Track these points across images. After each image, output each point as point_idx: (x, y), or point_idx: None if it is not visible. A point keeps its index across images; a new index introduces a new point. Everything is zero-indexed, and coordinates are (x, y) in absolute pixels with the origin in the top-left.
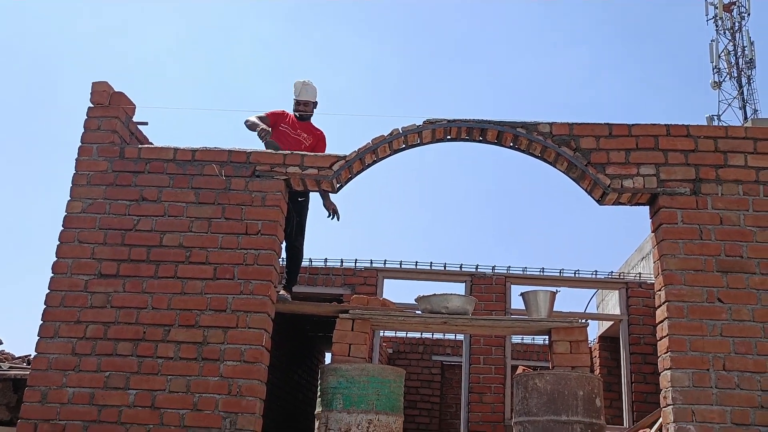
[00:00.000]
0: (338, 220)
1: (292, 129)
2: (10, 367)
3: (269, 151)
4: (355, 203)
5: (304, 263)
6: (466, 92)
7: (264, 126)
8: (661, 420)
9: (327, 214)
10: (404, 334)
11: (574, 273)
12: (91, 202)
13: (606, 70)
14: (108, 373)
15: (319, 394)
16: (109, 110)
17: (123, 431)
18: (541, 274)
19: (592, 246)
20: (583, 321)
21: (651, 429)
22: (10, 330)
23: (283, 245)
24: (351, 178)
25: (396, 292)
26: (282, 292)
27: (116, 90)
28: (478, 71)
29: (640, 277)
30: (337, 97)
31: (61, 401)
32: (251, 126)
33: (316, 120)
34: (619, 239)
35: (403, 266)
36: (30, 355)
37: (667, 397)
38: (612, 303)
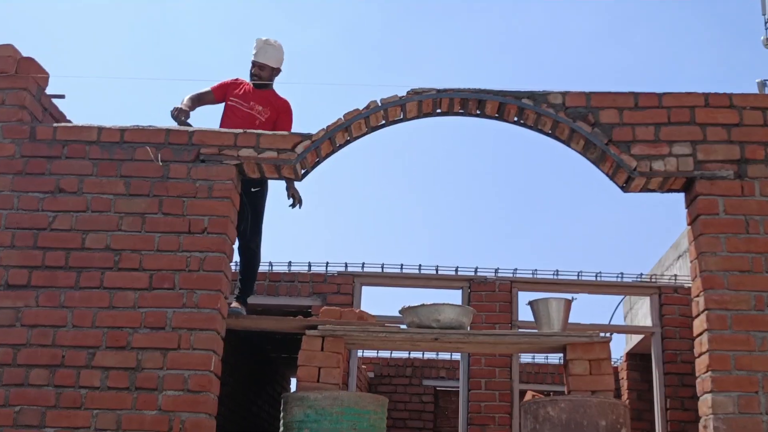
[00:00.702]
0: (300, 207)
1: (243, 101)
2: None
3: (217, 129)
4: (324, 192)
5: (263, 268)
6: (461, 55)
7: (182, 105)
8: None
9: (288, 201)
10: (388, 354)
11: (595, 276)
12: None
13: (631, 25)
14: (18, 408)
15: (282, 429)
16: (17, 80)
17: None
18: (555, 278)
19: (618, 243)
20: (606, 335)
21: None
22: None
23: (236, 246)
24: (319, 163)
25: (377, 302)
26: (235, 304)
27: (24, 55)
28: (477, 27)
29: (676, 279)
30: (302, 56)
31: None
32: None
33: (277, 89)
34: (651, 234)
35: (385, 270)
36: None
37: (708, 426)
38: (642, 312)
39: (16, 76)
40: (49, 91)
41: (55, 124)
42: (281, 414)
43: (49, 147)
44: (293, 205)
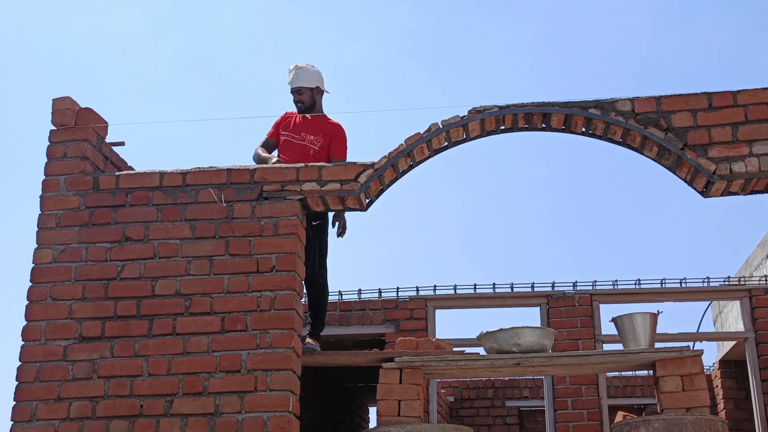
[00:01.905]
0: (342, 236)
1: (294, 133)
2: None
3: (278, 165)
4: (391, 214)
5: (333, 298)
6: (516, 65)
7: (272, 159)
8: None
9: (335, 230)
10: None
11: (680, 282)
12: (63, 248)
13: (699, 11)
14: None
15: None
16: (76, 132)
17: None
18: (637, 287)
19: (702, 245)
20: (696, 347)
21: None
22: None
23: (303, 282)
24: (383, 191)
25: (452, 325)
26: (308, 340)
27: (82, 106)
28: (530, 35)
29: (766, 280)
30: (352, 73)
31: None
32: (259, 162)
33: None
34: (736, 233)
35: (458, 292)
36: None
37: None
38: (733, 317)
39: (75, 128)
40: (108, 139)
41: (117, 173)
42: None
43: (112, 196)
44: (339, 234)
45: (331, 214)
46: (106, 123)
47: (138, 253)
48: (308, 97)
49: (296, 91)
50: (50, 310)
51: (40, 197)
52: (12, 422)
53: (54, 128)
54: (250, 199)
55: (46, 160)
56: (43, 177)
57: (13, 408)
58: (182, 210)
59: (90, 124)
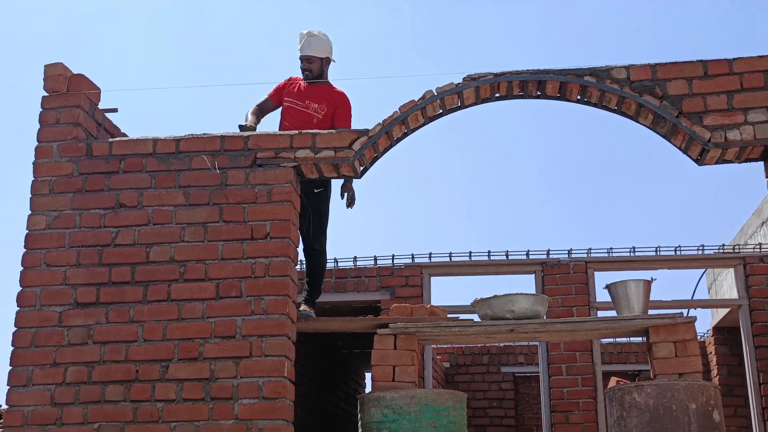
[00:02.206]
0: (352, 207)
1: (298, 99)
2: None
3: (272, 132)
4: (387, 182)
5: (329, 265)
6: (511, 33)
7: (246, 123)
8: None
9: (345, 201)
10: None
11: (675, 250)
12: (57, 214)
13: None
14: (97, 425)
15: (360, 431)
16: (69, 98)
17: None
18: (632, 255)
19: (696, 213)
20: (690, 314)
21: None
22: None
23: (300, 249)
24: (377, 158)
25: (447, 292)
26: (303, 307)
27: (74, 72)
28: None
29: (760, 248)
30: (350, 45)
31: None
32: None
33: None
34: (731, 201)
35: (453, 259)
36: (0, 407)
37: None
38: (727, 284)
39: (68, 94)
40: (101, 106)
41: (110, 139)
42: (359, 415)
43: (106, 163)
44: (348, 205)
45: (338, 185)
46: (99, 89)
47: (132, 220)
48: (317, 67)
49: (306, 59)
50: (45, 276)
51: (33, 164)
52: (8, 387)
53: (46, 94)
54: (243, 166)
55: (39, 127)
56: (36, 143)
57: (9, 373)
58: (176, 177)
59: (82, 90)
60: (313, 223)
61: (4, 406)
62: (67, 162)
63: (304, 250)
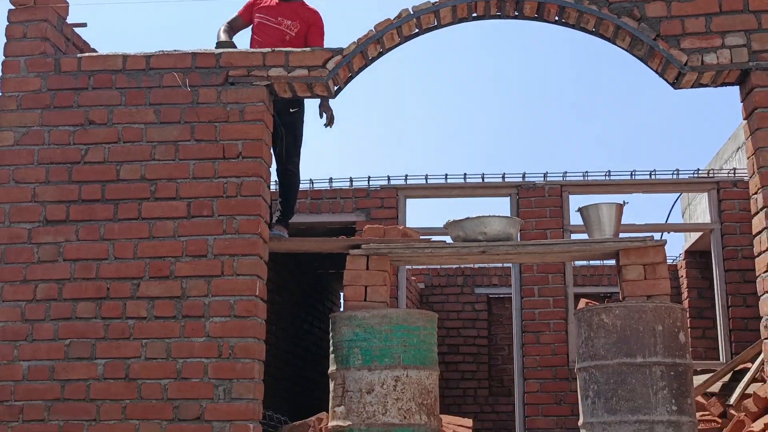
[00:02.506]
0: (331, 126)
1: (269, 16)
2: None
3: (244, 50)
4: (362, 103)
5: (305, 186)
6: None
7: (218, 39)
8: (763, 355)
9: (322, 120)
10: (438, 264)
11: (650, 174)
12: (25, 131)
13: None
14: (68, 341)
15: (332, 349)
16: (36, 12)
17: (94, 409)
18: (607, 179)
19: (673, 137)
20: (664, 237)
21: (753, 364)
22: None
23: (273, 169)
24: (352, 78)
25: (423, 215)
26: (276, 227)
27: None
28: None
29: (735, 173)
30: None
31: (14, 378)
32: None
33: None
34: (708, 126)
35: (429, 182)
36: None
37: None
38: (701, 209)
39: (35, 8)
40: (70, 20)
41: (79, 55)
42: (330, 334)
43: (74, 78)
44: (327, 124)
45: (316, 105)
46: (67, 3)
47: (102, 137)
48: None
49: None
50: (13, 192)
51: (0, 79)
52: None
53: (12, 7)
54: (215, 84)
55: (5, 41)
56: (2, 58)
57: None
58: (146, 94)
59: (50, 3)
60: (287, 144)
61: None
62: (35, 77)
63: (278, 170)
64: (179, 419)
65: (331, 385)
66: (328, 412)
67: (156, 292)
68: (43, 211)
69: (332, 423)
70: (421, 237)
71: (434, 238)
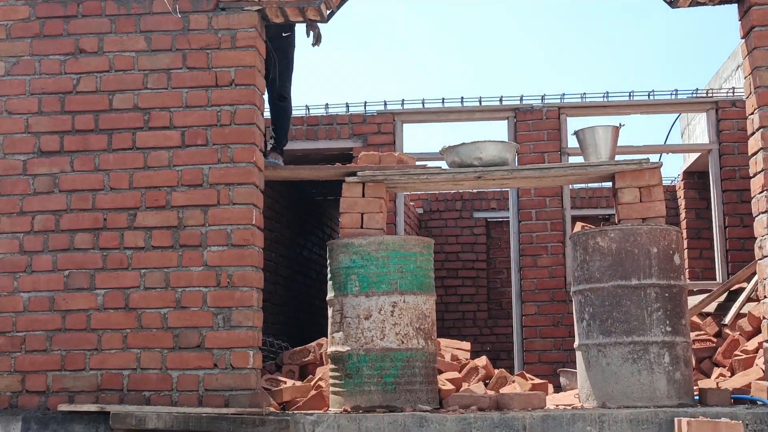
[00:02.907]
0: (318, 45)
1: None
2: None
3: None
4: (358, 27)
5: (299, 112)
6: None
7: None
8: (757, 275)
9: (311, 40)
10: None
11: (648, 95)
12: (16, 60)
13: None
14: (68, 272)
15: (330, 276)
16: None
17: (95, 338)
18: (605, 100)
19: (672, 57)
20: (663, 159)
21: (748, 284)
22: None
23: (266, 97)
24: (344, 1)
25: (420, 140)
26: (271, 155)
27: None
28: None
29: (734, 93)
30: None
31: (15, 309)
32: None
33: None
34: (708, 45)
35: (426, 106)
36: None
37: (763, 247)
38: (700, 129)
39: None
40: None
41: None
42: (328, 261)
43: (63, 6)
44: (314, 44)
45: (303, 24)
46: None
47: (93, 66)
48: None
49: None
50: (6, 123)
51: None
52: None
53: None
54: (206, 10)
55: None
56: None
57: None
58: (136, 21)
59: None
60: (280, 69)
61: None
62: (23, 5)
63: (269, 98)
64: (180, 347)
65: (330, 312)
66: (327, 337)
67: (153, 222)
68: (37, 142)
69: (331, 348)
70: (417, 163)
71: (431, 164)
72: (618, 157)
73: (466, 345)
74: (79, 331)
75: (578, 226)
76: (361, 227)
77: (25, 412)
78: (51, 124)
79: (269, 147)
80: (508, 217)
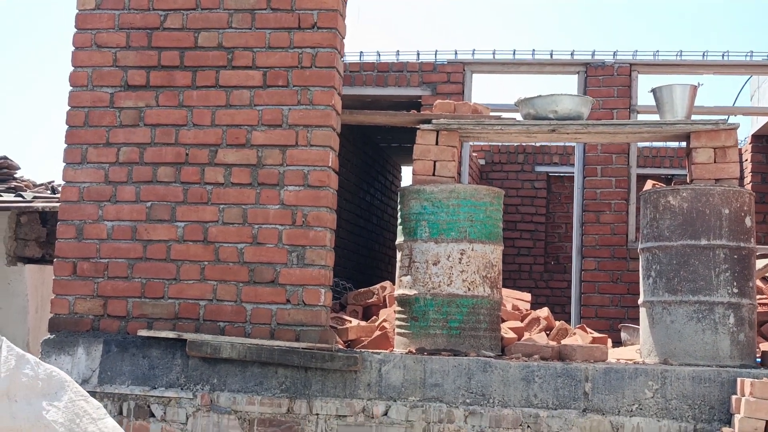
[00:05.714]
0: None
1: None
2: (35, 197)
3: None
4: None
5: (371, 58)
6: None
7: None
8: None
9: None
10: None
11: (722, 55)
12: None
13: None
14: (150, 204)
15: (400, 221)
16: None
17: (173, 269)
18: (678, 59)
19: (747, 17)
20: (732, 121)
21: None
22: (25, 153)
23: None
24: None
25: (489, 91)
26: None
27: None
28: None
29: None
30: None
31: (99, 237)
32: None
33: None
34: None
35: (496, 57)
36: (53, 182)
37: None
38: None
39: None
40: None
41: None
42: (399, 206)
43: None
44: None
45: None
46: None
47: (180, 3)
48: None
49: None
50: (95, 56)
51: None
52: (65, 164)
53: None
54: None
55: None
56: None
57: (65, 150)
58: None
59: None
60: None
61: (61, 182)
62: None
63: None
64: (254, 282)
65: (398, 256)
66: (390, 281)
67: (233, 159)
68: (124, 75)
69: (399, 291)
70: (491, 113)
71: (502, 115)
72: (691, 118)
73: (527, 296)
74: (159, 261)
75: (649, 183)
76: (433, 175)
77: (105, 335)
78: (138, 58)
79: None
80: (569, 172)
